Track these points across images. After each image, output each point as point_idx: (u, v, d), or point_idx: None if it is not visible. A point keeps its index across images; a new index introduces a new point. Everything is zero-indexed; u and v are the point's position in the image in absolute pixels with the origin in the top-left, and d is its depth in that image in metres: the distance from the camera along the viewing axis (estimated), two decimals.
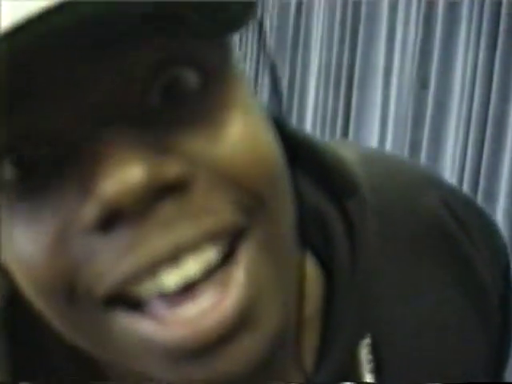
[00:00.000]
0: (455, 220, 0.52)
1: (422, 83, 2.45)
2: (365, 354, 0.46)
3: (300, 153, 0.46)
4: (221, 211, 0.34)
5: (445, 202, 0.52)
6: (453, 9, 2.41)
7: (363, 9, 2.65)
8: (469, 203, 0.56)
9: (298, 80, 2.89)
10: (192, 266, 0.34)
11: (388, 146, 2.64)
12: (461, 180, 2.40)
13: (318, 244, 0.46)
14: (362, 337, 0.46)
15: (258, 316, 0.35)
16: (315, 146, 0.47)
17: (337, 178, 0.47)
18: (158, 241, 0.33)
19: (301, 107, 2.90)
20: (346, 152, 0.50)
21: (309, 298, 0.45)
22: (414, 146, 2.52)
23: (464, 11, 2.39)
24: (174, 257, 0.33)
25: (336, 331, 0.45)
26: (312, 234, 0.46)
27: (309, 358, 0.45)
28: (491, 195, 2.34)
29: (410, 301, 0.49)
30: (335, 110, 2.74)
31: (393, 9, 2.58)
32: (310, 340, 0.45)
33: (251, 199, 0.35)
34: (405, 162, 0.57)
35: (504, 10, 2.25)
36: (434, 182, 0.54)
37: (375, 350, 0.46)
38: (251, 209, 0.35)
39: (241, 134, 0.35)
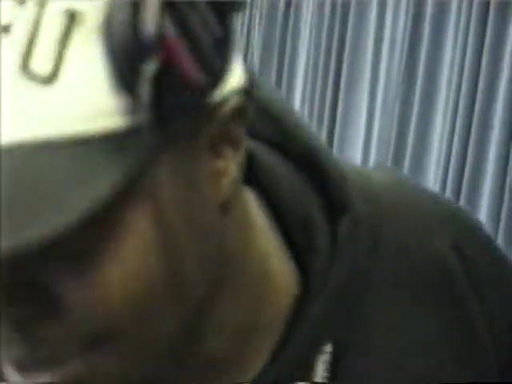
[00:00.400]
0: (461, 264, 0.51)
1: None
2: (321, 367, 0.47)
3: (311, 167, 0.48)
4: (70, 363, 0.38)
5: (456, 245, 0.52)
6: (441, 12, 2.42)
7: (351, 11, 2.65)
8: (485, 248, 0.55)
9: (285, 81, 2.88)
10: None
11: (373, 148, 2.65)
12: (445, 178, 2.42)
13: (304, 250, 0.48)
14: (321, 347, 0.47)
15: None
16: (326, 163, 0.48)
17: (334, 195, 0.48)
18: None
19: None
20: (380, 177, 0.53)
21: (280, 295, 0.47)
22: (400, 142, 2.54)
23: (452, 14, 2.40)
24: None
25: (296, 333, 0.46)
26: (300, 240, 0.48)
27: (266, 353, 0.47)
28: (474, 199, 2.36)
29: (386, 330, 0.49)
30: (321, 111, 2.73)
31: (382, 5, 2.60)
32: (272, 337, 0.47)
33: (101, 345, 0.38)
34: (432, 196, 0.56)
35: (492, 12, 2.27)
36: (453, 222, 0.53)
37: (333, 366, 0.47)
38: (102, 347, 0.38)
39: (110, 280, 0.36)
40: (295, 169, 0.48)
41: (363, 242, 0.48)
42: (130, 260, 0.36)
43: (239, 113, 0.40)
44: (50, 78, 0.33)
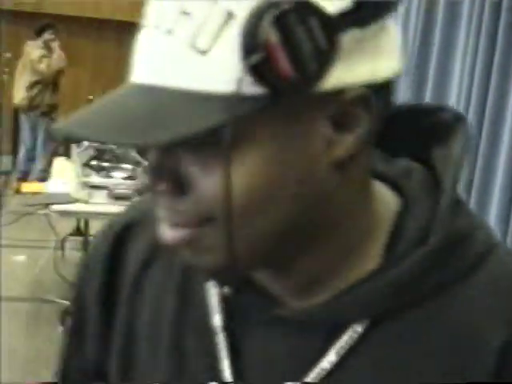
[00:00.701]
0: (498, 361, 0.55)
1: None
2: (345, 339, 0.57)
3: (440, 204, 0.58)
4: (191, 228, 0.56)
5: (508, 347, 0.55)
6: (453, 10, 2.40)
7: None
8: None
9: None
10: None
11: None
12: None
13: (391, 242, 0.59)
14: (356, 323, 0.57)
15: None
16: (452, 211, 0.58)
17: (430, 226, 0.58)
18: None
19: None
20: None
21: (359, 261, 0.58)
22: None
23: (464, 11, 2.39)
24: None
25: (345, 295, 0.57)
26: (393, 236, 0.59)
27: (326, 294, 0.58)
28: (485, 194, 2.33)
29: (415, 354, 0.56)
30: None
31: None
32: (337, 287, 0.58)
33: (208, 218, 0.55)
34: None
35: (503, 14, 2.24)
36: None
37: (356, 345, 0.57)
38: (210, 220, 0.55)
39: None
40: (432, 194, 0.59)
41: (430, 275, 0.56)
42: (244, 170, 0.52)
43: (362, 99, 0.52)
44: (204, 52, 0.50)
